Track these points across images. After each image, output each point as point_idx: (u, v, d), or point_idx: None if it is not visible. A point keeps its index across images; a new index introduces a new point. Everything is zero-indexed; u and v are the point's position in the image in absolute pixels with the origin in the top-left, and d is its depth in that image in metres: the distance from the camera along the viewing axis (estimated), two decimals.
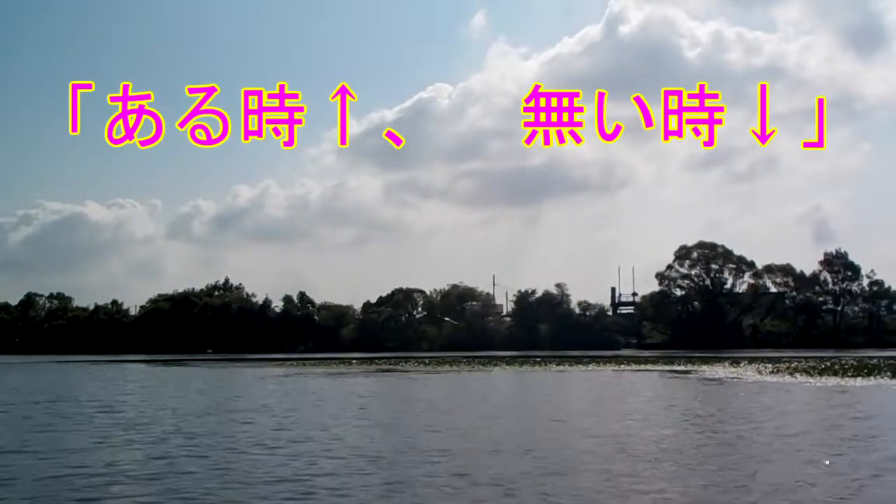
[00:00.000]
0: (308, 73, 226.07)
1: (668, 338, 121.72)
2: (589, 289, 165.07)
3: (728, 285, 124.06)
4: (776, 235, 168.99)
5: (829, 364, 50.92)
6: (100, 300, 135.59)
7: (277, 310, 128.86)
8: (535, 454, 15.93)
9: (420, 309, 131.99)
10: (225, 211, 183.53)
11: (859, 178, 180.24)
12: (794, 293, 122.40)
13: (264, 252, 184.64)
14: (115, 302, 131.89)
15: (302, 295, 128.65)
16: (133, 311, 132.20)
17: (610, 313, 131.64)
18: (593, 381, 41.83)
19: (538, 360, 70.45)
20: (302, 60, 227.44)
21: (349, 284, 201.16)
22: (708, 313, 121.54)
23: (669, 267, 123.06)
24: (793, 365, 50.89)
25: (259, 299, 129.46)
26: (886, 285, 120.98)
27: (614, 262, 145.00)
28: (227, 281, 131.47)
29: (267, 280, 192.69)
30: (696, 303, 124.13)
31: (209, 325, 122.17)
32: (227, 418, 24.10)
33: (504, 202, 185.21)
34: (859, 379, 38.17)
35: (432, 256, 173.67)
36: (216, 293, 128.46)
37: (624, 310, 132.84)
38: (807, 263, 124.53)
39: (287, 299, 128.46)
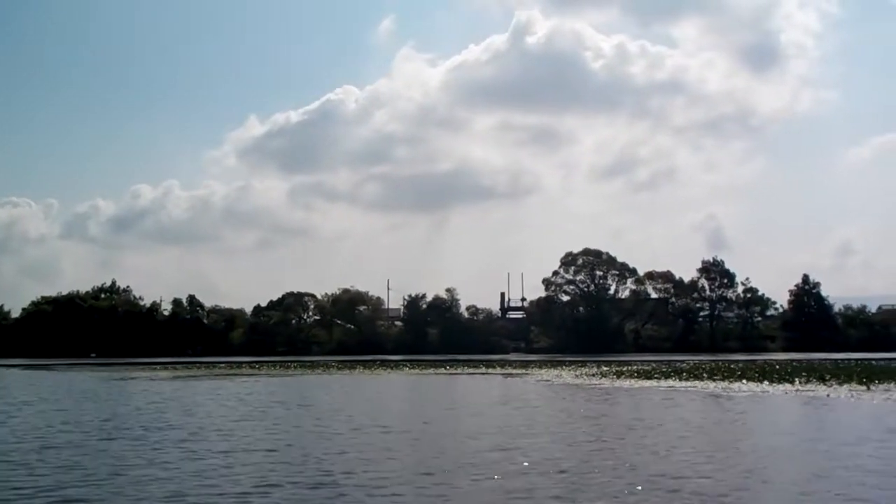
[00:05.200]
0: (214, 74, 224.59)
1: (554, 342, 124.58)
2: (491, 294, 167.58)
3: (612, 291, 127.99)
4: (673, 243, 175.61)
5: (652, 367, 53.83)
6: None
7: (166, 313, 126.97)
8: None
9: (311, 313, 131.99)
10: (124, 211, 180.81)
11: (753, 190, 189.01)
12: (674, 299, 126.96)
13: (165, 254, 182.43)
14: None
15: (191, 298, 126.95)
16: (15, 314, 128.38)
17: (500, 318, 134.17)
18: (389, 384, 43.42)
19: (408, 363, 71.87)
20: (207, 60, 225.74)
21: (252, 288, 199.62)
22: (592, 318, 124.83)
23: (555, 273, 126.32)
24: (620, 369, 53.50)
25: (148, 302, 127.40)
26: (760, 292, 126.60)
27: (517, 268, 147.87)
28: (114, 283, 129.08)
29: (167, 283, 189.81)
30: (581, 308, 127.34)
31: (95, 328, 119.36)
32: None
33: (411, 207, 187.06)
34: (663, 381, 40.57)
35: (337, 260, 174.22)
36: (103, 296, 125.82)
37: (514, 314, 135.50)
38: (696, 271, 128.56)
39: (176, 302, 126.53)
